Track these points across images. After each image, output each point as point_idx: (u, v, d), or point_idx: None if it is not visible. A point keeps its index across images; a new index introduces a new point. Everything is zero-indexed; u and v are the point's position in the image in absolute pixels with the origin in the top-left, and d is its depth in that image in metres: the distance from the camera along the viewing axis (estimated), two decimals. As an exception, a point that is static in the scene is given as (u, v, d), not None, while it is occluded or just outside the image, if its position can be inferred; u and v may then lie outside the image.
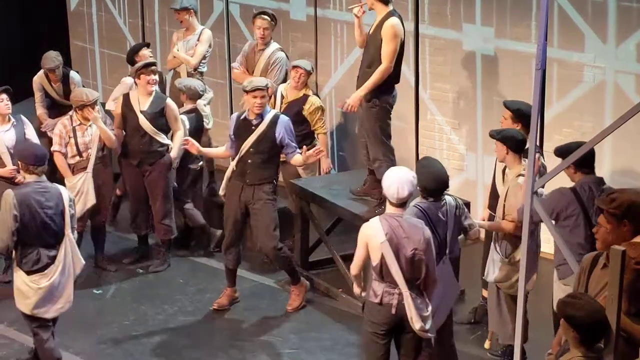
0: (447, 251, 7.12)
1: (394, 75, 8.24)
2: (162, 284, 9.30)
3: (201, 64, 10.36)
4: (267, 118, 8.37)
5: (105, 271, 9.46)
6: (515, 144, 7.40)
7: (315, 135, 9.67)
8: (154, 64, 9.30)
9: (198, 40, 10.31)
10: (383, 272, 6.66)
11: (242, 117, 8.45)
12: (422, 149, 10.05)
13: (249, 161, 8.39)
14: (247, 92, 8.36)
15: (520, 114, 7.78)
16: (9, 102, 9.07)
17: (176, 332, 8.49)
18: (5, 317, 8.67)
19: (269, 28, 9.88)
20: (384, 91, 8.27)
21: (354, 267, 6.89)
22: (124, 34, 12.21)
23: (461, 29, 9.57)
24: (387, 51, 8.11)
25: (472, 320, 8.35)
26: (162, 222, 9.41)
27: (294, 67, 9.60)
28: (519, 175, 7.36)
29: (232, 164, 8.51)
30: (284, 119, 8.43)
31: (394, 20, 8.15)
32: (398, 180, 6.63)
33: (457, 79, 9.68)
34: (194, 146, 8.63)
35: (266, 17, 9.86)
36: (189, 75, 10.25)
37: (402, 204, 6.67)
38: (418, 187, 6.93)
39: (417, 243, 6.63)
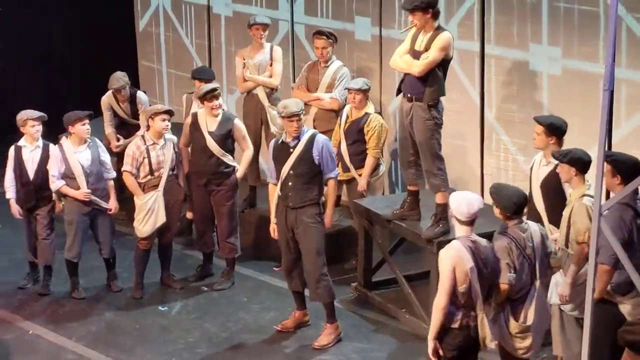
0: (538, 276, 7.07)
1: (441, 90, 8.28)
2: (226, 301, 9.35)
3: None
4: (304, 139, 8.36)
5: (171, 288, 9.54)
6: (583, 166, 7.33)
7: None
8: (216, 89, 9.34)
9: (271, 58, 10.32)
10: (466, 298, 6.67)
11: (279, 141, 8.47)
12: (487, 169, 9.99)
13: (290, 184, 8.38)
14: (283, 117, 8.38)
15: (553, 128, 7.85)
16: (90, 127, 9.23)
17: (240, 350, 8.52)
18: (74, 333, 8.79)
19: (327, 46, 9.94)
20: (438, 105, 8.32)
21: (443, 299, 6.66)
22: (191, 54, 12.34)
23: (528, 49, 9.51)
24: (430, 58, 8.13)
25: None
26: (227, 241, 9.47)
27: (348, 91, 9.65)
28: (584, 195, 7.28)
29: (277, 189, 8.51)
30: (320, 138, 8.42)
31: (448, 34, 8.24)
32: (466, 198, 6.75)
33: (524, 100, 9.62)
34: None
35: (323, 36, 9.93)
36: (267, 94, 10.25)
37: (472, 221, 6.74)
38: (498, 210, 7.02)
39: (493, 263, 6.76)
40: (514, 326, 7.04)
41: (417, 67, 8.22)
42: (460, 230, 6.78)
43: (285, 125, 8.44)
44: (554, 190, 7.80)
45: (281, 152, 8.42)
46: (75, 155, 9.16)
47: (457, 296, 6.68)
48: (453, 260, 6.66)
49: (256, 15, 10.42)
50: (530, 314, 7.04)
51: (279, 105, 8.53)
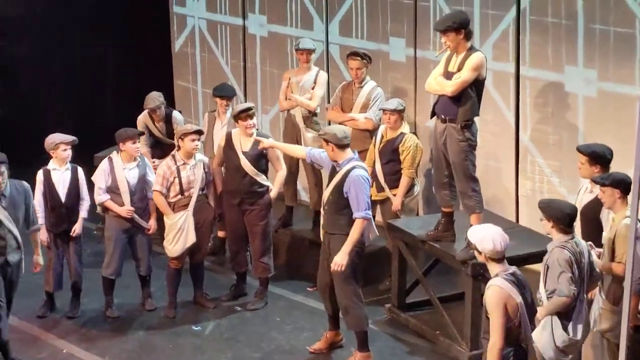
0: (585, 290, 7.04)
1: (475, 110, 8.27)
2: (259, 321, 9.35)
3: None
4: (344, 169, 8.26)
5: (204, 308, 9.56)
6: (625, 187, 7.26)
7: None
8: (250, 108, 9.33)
9: (314, 82, 10.30)
10: (517, 332, 6.56)
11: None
12: (522, 190, 9.95)
13: (326, 208, 8.38)
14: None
15: (596, 156, 7.74)
16: (139, 146, 9.33)
17: (273, 370, 8.52)
18: (107, 352, 8.81)
19: (362, 67, 9.94)
20: (472, 126, 8.30)
21: (499, 340, 6.48)
22: (226, 74, 12.41)
23: (563, 71, 9.48)
24: (462, 78, 8.14)
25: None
26: (261, 260, 9.48)
27: (383, 111, 9.65)
28: (627, 217, 7.23)
29: (321, 209, 8.55)
30: (354, 173, 8.19)
31: (480, 54, 8.24)
32: (497, 234, 6.63)
33: (559, 122, 9.58)
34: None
35: (357, 57, 9.94)
36: (304, 117, 10.26)
37: (504, 257, 6.65)
38: (552, 223, 6.94)
39: (532, 292, 6.66)
40: (563, 339, 6.96)
41: (449, 87, 8.22)
42: (496, 267, 6.62)
43: None
44: (591, 219, 7.73)
45: (331, 175, 8.42)
46: (124, 171, 9.22)
47: (510, 333, 6.53)
48: (503, 299, 6.49)
49: (301, 40, 10.42)
50: (579, 328, 6.96)
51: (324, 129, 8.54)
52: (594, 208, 7.67)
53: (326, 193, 8.38)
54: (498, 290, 6.51)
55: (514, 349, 6.58)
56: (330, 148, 8.26)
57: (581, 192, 7.96)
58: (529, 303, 6.64)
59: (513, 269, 6.66)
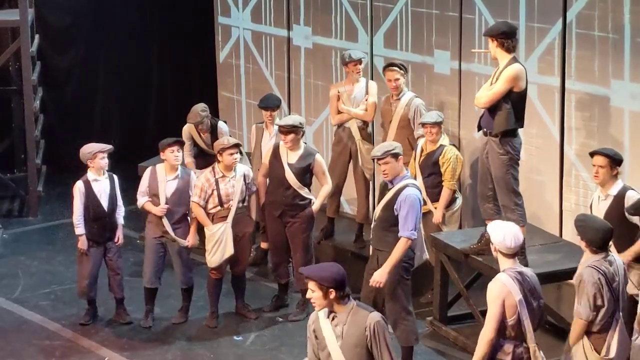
0: (620, 308, 6.99)
1: (510, 122, 8.23)
2: (300, 332, 9.31)
3: None
4: (396, 187, 8.20)
5: (246, 318, 9.58)
6: None
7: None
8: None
9: (366, 93, 10.26)
10: (515, 330, 6.65)
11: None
12: (566, 205, 9.88)
13: (375, 224, 8.35)
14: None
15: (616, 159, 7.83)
16: (180, 154, 9.30)
17: (313, 381, 8.50)
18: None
19: (400, 78, 9.92)
20: (514, 140, 8.27)
21: (491, 330, 6.66)
22: (270, 85, 12.45)
23: (609, 85, 9.41)
24: (494, 89, 8.13)
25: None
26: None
27: (423, 125, 9.61)
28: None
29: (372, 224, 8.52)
30: (407, 192, 8.11)
31: (517, 66, 8.21)
32: (511, 231, 6.70)
33: (604, 136, 9.51)
34: None
35: (395, 67, 9.92)
36: (360, 128, 10.20)
37: (515, 254, 6.73)
38: (584, 244, 6.94)
39: (540, 293, 6.74)
40: (595, 358, 6.93)
41: (482, 99, 8.24)
42: (505, 262, 6.74)
43: None
44: (618, 221, 7.68)
45: (382, 191, 8.39)
46: (165, 183, 9.27)
47: (506, 328, 6.67)
48: (502, 293, 6.64)
49: (351, 51, 10.34)
50: (612, 347, 6.93)
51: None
52: (615, 210, 7.67)
53: (377, 209, 8.34)
54: (499, 285, 6.65)
55: (515, 344, 6.67)
56: (394, 160, 8.13)
57: (595, 203, 7.95)
58: (533, 304, 6.67)
59: (522, 268, 6.76)
